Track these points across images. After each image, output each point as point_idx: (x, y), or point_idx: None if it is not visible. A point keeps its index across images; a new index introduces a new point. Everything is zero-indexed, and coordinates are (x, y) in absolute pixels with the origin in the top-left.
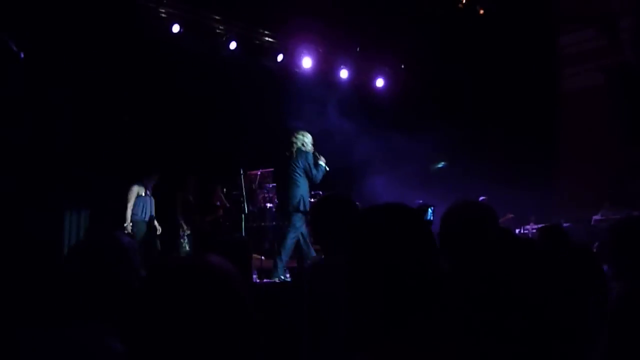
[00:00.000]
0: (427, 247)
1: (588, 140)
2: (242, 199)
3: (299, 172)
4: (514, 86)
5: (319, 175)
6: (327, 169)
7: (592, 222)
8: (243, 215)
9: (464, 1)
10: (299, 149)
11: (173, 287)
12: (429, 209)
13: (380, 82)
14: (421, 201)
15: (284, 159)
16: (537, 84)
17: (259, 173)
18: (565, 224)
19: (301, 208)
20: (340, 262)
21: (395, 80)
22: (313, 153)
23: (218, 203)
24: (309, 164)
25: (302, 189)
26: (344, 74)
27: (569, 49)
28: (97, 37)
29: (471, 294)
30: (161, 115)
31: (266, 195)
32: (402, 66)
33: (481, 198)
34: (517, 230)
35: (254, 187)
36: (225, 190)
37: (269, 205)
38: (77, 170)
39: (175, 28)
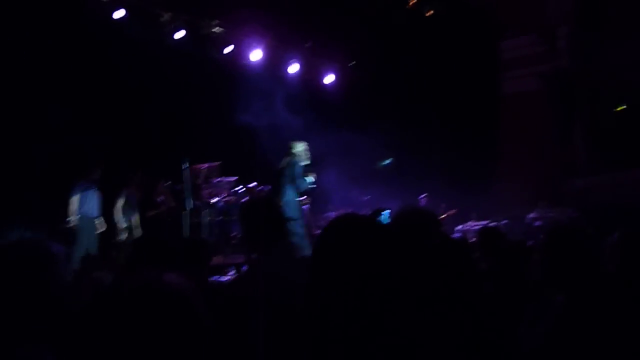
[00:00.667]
0: (390, 262)
1: (525, 141)
2: (185, 193)
3: (288, 181)
4: (459, 87)
5: (302, 187)
6: (314, 185)
7: (528, 220)
8: (186, 211)
9: (412, 2)
10: (291, 159)
11: (124, 316)
12: (384, 213)
13: (329, 79)
14: (369, 197)
15: (279, 169)
16: (480, 86)
17: (205, 167)
18: (503, 221)
19: (285, 214)
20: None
21: (344, 77)
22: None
23: (160, 198)
24: (295, 174)
25: (289, 196)
26: (293, 68)
27: (509, 53)
28: (32, 19)
29: (418, 297)
30: (102, 105)
31: (212, 190)
32: (352, 63)
33: (422, 196)
34: (459, 227)
35: (199, 181)
36: (168, 184)
37: (214, 199)
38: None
39: (119, 13)
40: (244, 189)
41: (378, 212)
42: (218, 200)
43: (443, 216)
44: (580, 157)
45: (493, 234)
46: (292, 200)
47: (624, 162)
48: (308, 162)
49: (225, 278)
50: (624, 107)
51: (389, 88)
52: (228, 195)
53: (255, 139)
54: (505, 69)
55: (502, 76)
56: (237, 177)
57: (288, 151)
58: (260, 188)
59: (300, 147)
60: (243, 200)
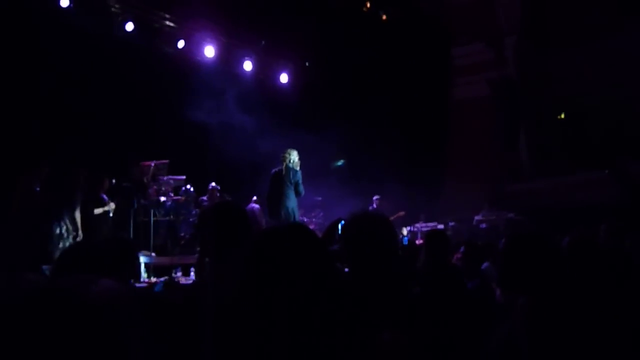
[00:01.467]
0: (326, 272)
1: (473, 146)
2: (132, 192)
3: (289, 186)
4: (411, 90)
5: (302, 192)
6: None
7: (474, 222)
8: (132, 210)
9: (368, 5)
10: (287, 166)
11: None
12: (340, 224)
13: (284, 78)
14: (320, 197)
15: (275, 173)
16: (432, 90)
17: (153, 165)
18: (450, 223)
19: (291, 218)
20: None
21: (298, 77)
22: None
23: (106, 196)
24: (297, 181)
25: (292, 201)
26: (247, 66)
27: (460, 60)
28: None
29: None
30: (45, 99)
31: (160, 188)
32: (307, 64)
33: (375, 197)
34: (407, 228)
35: (146, 180)
36: (114, 182)
37: (162, 198)
38: None
39: (65, 2)
40: (192, 188)
41: (336, 223)
42: (166, 200)
43: (392, 218)
44: (523, 162)
45: (438, 237)
46: (295, 205)
47: (564, 168)
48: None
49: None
50: (563, 115)
51: (343, 89)
52: (176, 195)
53: (206, 137)
54: (456, 75)
55: (453, 81)
56: (185, 177)
57: (284, 158)
58: (211, 187)
59: (295, 155)
60: (194, 200)
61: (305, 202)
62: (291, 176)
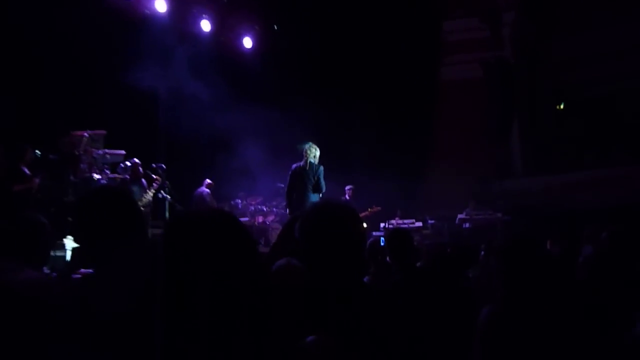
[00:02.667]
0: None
1: (460, 135)
2: (60, 166)
3: (311, 182)
4: (394, 68)
5: (324, 190)
6: None
7: (457, 221)
8: (59, 188)
9: None
10: (309, 162)
11: None
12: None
13: (247, 43)
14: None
15: (297, 169)
16: (417, 69)
17: (86, 135)
18: (430, 221)
19: None
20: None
21: (265, 42)
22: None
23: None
24: (319, 177)
25: (314, 198)
26: (205, 25)
27: (451, 36)
28: None
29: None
30: None
31: (94, 163)
32: (275, 27)
33: (348, 187)
34: (381, 225)
35: (77, 153)
36: (38, 154)
37: (96, 176)
38: None
39: None
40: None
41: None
42: (100, 178)
43: (365, 213)
44: (515, 157)
45: (401, 237)
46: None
47: (560, 165)
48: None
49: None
50: (563, 106)
51: (315, 61)
52: (113, 172)
53: (153, 106)
54: (446, 53)
55: (442, 60)
56: (125, 152)
57: (307, 153)
58: (132, 162)
59: (317, 151)
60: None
61: (264, 188)
62: (314, 172)
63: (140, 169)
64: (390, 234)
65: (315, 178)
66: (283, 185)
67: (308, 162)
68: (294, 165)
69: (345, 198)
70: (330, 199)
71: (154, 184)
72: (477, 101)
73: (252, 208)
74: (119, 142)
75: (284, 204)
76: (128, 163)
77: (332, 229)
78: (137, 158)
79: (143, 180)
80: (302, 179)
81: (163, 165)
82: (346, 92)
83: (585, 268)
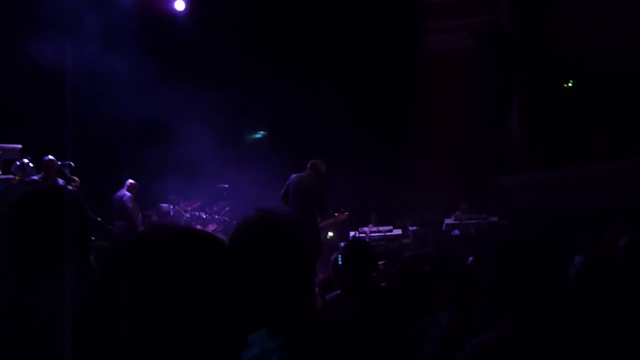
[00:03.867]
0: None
1: (447, 122)
2: None
3: (318, 205)
4: (366, 38)
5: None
6: None
7: (443, 227)
8: None
9: None
10: (319, 182)
11: None
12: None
13: (179, 4)
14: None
15: (300, 181)
16: (395, 39)
17: None
18: (411, 227)
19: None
20: None
21: (203, 5)
22: None
23: None
24: (324, 199)
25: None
26: None
27: None
28: None
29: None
30: None
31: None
32: None
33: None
34: (351, 233)
35: None
36: None
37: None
38: None
39: None
40: (31, 163)
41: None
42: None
43: (330, 220)
44: (514, 147)
45: (356, 251)
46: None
47: (568, 157)
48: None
49: None
50: (571, 84)
51: (268, 28)
52: (5, 173)
53: (57, 88)
54: (429, 18)
55: (424, 27)
56: (21, 145)
57: (318, 173)
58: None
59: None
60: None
61: (203, 190)
62: (322, 194)
63: (58, 169)
64: (345, 247)
65: (320, 198)
66: (227, 186)
67: (318, 182)
68: (294, 176)
69: None
70: (268, 210)
71: (73, 186)
72: (468, 78)
73: (188, 216)
74: (12, 134)
75: (227, 209)
76: (25, 160)
77: (268, 246)
78: (32, 153)
79: (60, 180)
80: (311, 198)
81: (71, 163)
82: (307, 69)
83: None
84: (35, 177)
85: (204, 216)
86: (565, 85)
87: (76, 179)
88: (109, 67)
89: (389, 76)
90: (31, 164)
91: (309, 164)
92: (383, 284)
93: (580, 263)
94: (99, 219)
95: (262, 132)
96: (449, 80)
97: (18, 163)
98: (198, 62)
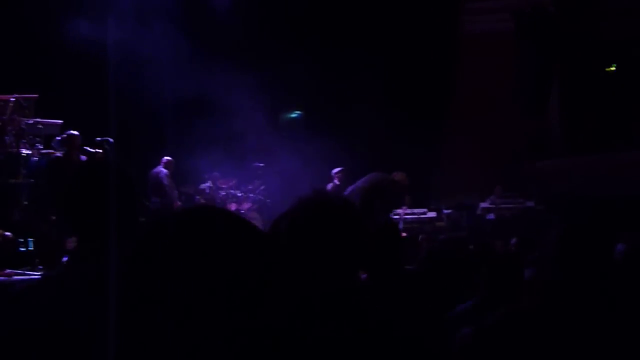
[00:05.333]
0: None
1: (484, 105)
2: None
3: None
4: (404, 20)
5: None
6: None
7: (478, 211)
8: None
9: None
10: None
11: None
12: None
13: None
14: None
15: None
16: (431, 20)
17: (12, 99)
18: (445, 210)
19: None
20: None
21: None
22: None
23: None
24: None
25: None
26: None
27: None
28: None
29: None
30: None
31: (23, 135)
32: None
33: (336, 171)
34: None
35: (1, 122)
36: None
37: (25, 151)
38: None
39: None
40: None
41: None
42: (31, 154)
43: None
44: (553, 131)
45: (391, 231)
46: None
47: (609, 142)
48: None
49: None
50: (614, 67)
51: (306, 10)
52: (48, 148)
53: (98, 65)
54: (468, 0)
55: (463, 9)
56: (62, 121)
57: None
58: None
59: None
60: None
61: (238, 168)
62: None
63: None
64: (378, 229)
65: None
66: (262, 165)
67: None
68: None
69: (334, 184)
70: (323, 192)
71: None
72: (507, 61)
73: (223, 193)
74: (54, 110)
75: (262, 187)
76: (65, 135)
77: (326, 232)
78: (76, 130)
79: (82, 157)
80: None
81: (110, 139)
82: (345, 50)
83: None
84: (58, 154)
85: (239, 194)
86: (608, 69)
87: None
88: (148, 46)
89: (427, 57)
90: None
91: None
92: (409, 267)
93: (623, 251)
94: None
95: (298, 112)
96: (488, 63)
97: (59, 138)
98: (237, 40)
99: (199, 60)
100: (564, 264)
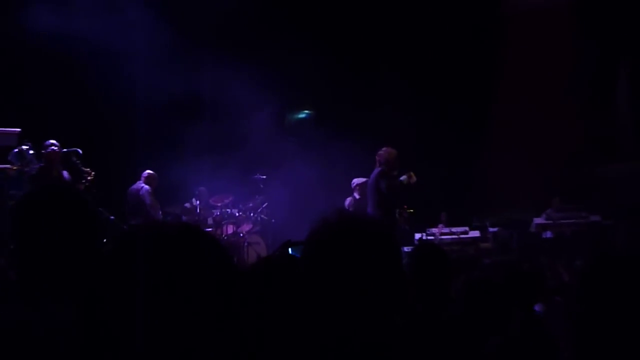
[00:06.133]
0: None
1: (538, 99)
2: None
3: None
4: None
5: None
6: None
7: (532, 228)
8: None
9: None
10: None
11: None
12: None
13: None
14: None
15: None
16: None
17: None
18: (491, 228)
19: None
20: None
21: None
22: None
23: None
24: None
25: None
26: None
27: None
28: None
29: None
30: None
31: None
32: None
33: (356, 182)
34: (417, 236)
35: None
36: None
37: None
38: None
39: None
40: (31, 150)
41: (288, 246)
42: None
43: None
44: (622, 128)
45: (433, 255)
46: None
47: None
48: None
49: None
50: None
51: None
52: (3, 163)
53: (68, 62)
54: None
55: None
56: (20, 129)
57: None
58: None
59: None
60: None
61: (235, 183)
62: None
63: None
64: (412, 254)
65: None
66: (264, 177)
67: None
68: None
69: (354, 198)
70: (348, 213)
71: (85, 179)
72: (563, 43)
73: (218, 212)
74: (12, 118)
75: (265, 205)
76: (25, 147)
77: (357, 265)
78: (34, 139)
79: (64, 173)
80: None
81: (79, 150)
82: (361, 34)
83: None
84: (35, 166)
85: (237, 213)
86: None
87: (89, 171)
88: (123, 36)
89: (463, 43)
90: (31, 151)
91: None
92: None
93: None
94: (112, 217)
95: (307, 112)
96: (539, 47)
97: (16, 150)
98: (231, 28)
99: (185, 52)
100: (589, 298)
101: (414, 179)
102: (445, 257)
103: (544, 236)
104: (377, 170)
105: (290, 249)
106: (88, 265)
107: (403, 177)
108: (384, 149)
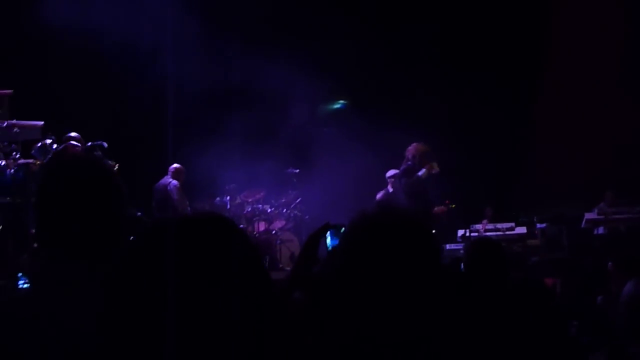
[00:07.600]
0: None
1: (589, 85)
2: None
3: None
4: None
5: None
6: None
7: (583, 224)
8: None
9: None
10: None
11: None
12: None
13: None
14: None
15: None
16: None
17: None
18: (539, 224)
19: None
20: None
21: None
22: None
23: None
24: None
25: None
26: None
27: None
28: None
29: None
30: None
31: None
32: None
33: (391, 173)
34: (460, 232)
35: None
36: None
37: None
38: None
39: None
40: (55, 144)
41: (326, 229)
42: (5, 165)
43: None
44: None
45: (487, 249)
46: None
47: None
48: None
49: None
50: None
51: None
52: (26, 157)
53: (90, 53)
54: None
55: None
56: (42, 123)
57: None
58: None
59: None
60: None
61: (267, 178)
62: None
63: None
64: (469, 248)
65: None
66: (297, 171)
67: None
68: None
69: (387, 191)
70: (391, 208)
71: None
72: (615, 29)
73: (249, 209)
74: (33, 109)
75: (299, 200)
76: (48, 140)
77: (399, 247)
78: (61, 133)
79: None
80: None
81: (104, 143)
82: (399, 18)
83: None
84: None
85: (269, 210)
86: None
87: (113, 164)
88: (151, 29)
89: (510, 28)
90: (55, 145)
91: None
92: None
93: None
94: (139, 213)
95: (342, 102)
96: (592, 27)
97: (39, 144)
98: (262, 14)
99: (215, 41)
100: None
101: (436, 169)
102: (502, 253)
103: (596, 232)
104: (402, 166)
105: (329, 232)
106: (112, 228)
107: (421, 172)
108: (413, 144)
